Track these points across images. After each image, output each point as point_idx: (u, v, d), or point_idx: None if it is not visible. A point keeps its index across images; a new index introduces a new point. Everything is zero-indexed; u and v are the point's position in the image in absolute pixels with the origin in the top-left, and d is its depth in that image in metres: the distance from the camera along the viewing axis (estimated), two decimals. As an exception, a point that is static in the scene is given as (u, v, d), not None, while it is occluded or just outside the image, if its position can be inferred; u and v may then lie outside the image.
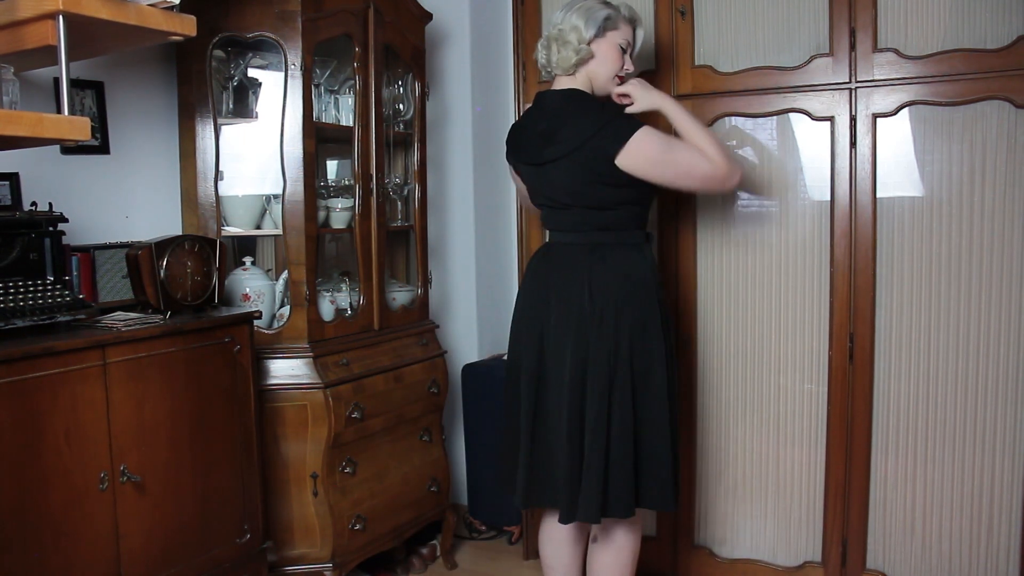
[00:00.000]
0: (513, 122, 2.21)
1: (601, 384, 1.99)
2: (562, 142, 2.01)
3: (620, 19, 2.06)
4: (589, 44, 2.03)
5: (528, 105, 2.26)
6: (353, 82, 2.56)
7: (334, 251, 2.99)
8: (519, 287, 2.21)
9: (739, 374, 2.59)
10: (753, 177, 2.51)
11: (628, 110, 2.04)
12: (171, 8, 1.69)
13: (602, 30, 2.03)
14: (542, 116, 2.08)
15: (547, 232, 2.20)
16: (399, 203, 2.89)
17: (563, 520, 2.04)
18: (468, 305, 3.28)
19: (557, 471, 2.04)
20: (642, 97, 2.08)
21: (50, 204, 1.99)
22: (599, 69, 2.06)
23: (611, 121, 1.98)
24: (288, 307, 2.45)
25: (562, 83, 2.09)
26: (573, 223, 2.08)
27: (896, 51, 2.29)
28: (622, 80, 2.10)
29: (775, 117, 2.46)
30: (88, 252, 2.13)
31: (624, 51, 2.07)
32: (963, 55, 2.23)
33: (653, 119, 2.12)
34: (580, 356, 2.00)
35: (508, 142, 2.20)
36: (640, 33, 2.12)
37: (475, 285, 3.25)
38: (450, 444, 3.19)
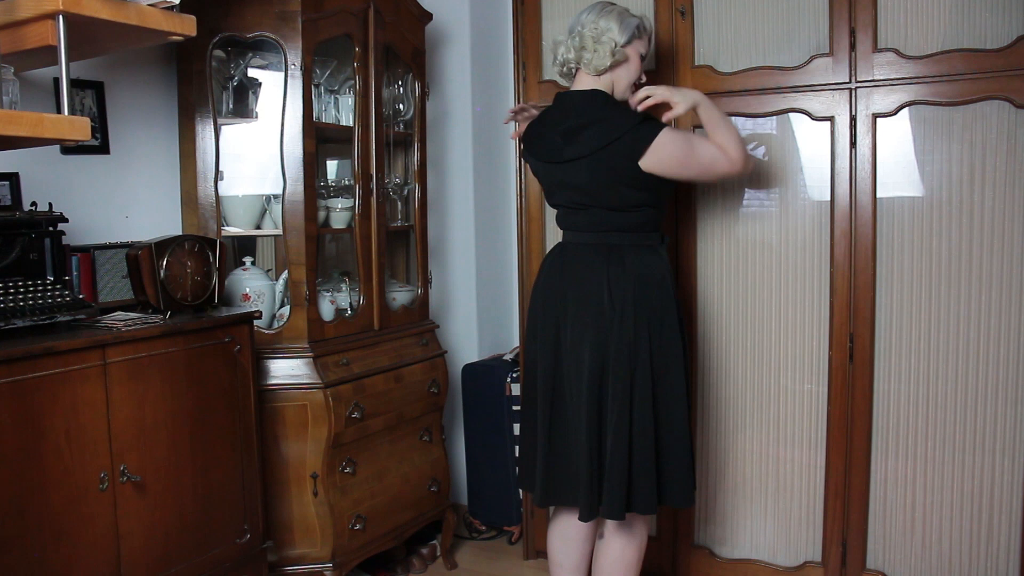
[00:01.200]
0: (532, 120, 2.21)
1: (622, 383, 2.00)
2: (585, 142, 2.02)
3: (644, 30, 2.12)
4: (623, 48, 2.07)
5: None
6: (353, 82, 2.56)
7: (334, 251, 2.99)
8: (533, 287, 2.21)
9: (739, 374, 2.59)
10: (761, 172, 2.51)
11: (673, 113, 2.06)
12: (171, 8, 1.70)
13: (632, 37, 2.08)
14: (564, 116, 2.09)
15: (561, 232, 2.19)
16: (399, 203, 2.89)
17: (583, 518, 2.06)
18: (468, 305, 3.28)
19: (575, 469, 2.05)
20: (681, 98, 2.07)
21: (50, 204, 1.99)
22: (624, 74, 2.10)
23: (637, 124, 2.00)
24: (288, 307, 2.45)
25: (584, 83, 2.10)
26: (590, 223, 2.09)
27: (896, 51, 2.29)
28: (637, 87, 2.12)
29: (775, 117, 2.46)
30: (88, 252, 2.13)
31: (642, 60, 2.13)
32: (963, 55, 2.23)
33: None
34: (599, 355, 2.02)
35: (525, 140, 2.21)
36: (651, 45, 2.19)
37: (475, 285, 3.25)
38: (450, 444, 3.19)
